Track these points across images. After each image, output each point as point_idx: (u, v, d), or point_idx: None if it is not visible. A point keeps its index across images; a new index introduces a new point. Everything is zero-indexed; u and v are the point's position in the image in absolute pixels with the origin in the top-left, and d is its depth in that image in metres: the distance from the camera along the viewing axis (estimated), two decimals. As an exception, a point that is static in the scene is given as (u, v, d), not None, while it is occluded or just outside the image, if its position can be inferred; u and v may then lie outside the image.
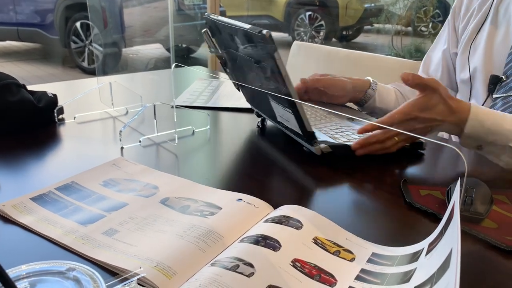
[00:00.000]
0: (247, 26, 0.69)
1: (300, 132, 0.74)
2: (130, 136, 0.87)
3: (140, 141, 0.84)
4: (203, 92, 1.18)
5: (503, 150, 0.77)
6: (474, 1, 1.03)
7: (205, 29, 0.87)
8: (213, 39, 0.87)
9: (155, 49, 5.29)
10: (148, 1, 4.45)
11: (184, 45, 4.96)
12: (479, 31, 0.99)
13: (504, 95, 0.92)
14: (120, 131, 0.83)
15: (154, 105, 0.85)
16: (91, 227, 0.55)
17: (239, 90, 0.97)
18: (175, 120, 0.84)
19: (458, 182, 0.44)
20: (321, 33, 6.03)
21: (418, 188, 0.68)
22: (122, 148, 0.81)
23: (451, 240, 0.42)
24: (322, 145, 0.74)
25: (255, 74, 0.76)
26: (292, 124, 0.74)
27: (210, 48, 0.89)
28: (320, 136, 0.78)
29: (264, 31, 0.63)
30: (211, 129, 0.93)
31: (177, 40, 4.47)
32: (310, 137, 0.73)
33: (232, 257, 0.48)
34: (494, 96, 0.94)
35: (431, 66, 1.12)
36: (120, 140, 0.83)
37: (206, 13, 0.85)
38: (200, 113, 1.00)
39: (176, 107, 0.88)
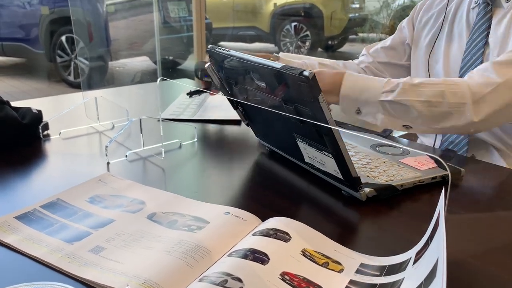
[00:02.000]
0: (276, 64, 0.61)
1: (340, 177, 0.68)
2: (117, 151, 0.87)
3: (126, 156, 0.83)
4: (189, 104, 1.18)
5: (376, 106, 0.81)
6: (434, 6, 1.09)
7: (208, 64, 0.80)
8: (218, 74, 0.80)
9: (141, 62, 5.28)
10: (134, 14, 4.45)
11: (170, 58, 4.97)
12: (435, 40, 1.05)
13: None
14: (106, 146, 0.83)
15: (140, 119, 0.85)
16: (77, 244, 0.55)
17: (248, 125, 0.92)
18: (162, 134, 0.83)
19: (443, 191, 0.45)
20: (307, 43, 6.08)
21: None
22: (108, 163, 0.81)
23: (437, 249, 0.42)
24: (367, 189, 0.67)
25: (280, 114, 0.68)
26: (330, 167, 0.68)
27: (214, 85, 0.83)
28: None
29: (307, 73, 0.56)
30: (198, 142, 0.93)
31: (163, 52, 4.47)
32: (355, 182, 0.66)
33: (220, 272, 0.48)
34: None
35: (377, 46, 1.19)
36: (106, 155, 0.82)
37: (209, 46, 0.77)
38: (187, 126, 1.00)
39: (162, 120, 0.88)
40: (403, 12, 5.46)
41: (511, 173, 0.82)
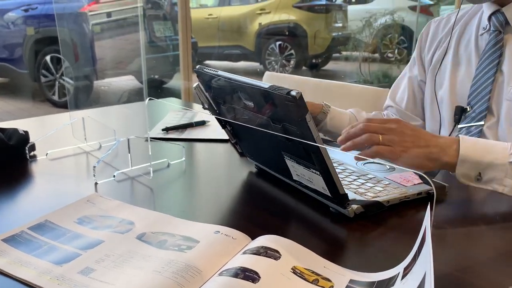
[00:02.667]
0: (264, 84, 0.62)
1: (328, 194, 0.69)
2: (104, 171, 0.86)
3: (114, 176, 0.83)
4: (177, 124, 1.18)
5: (504, 170, 0.72)
6: (439, 32, 1.08)
7: (197, 84, 0.81)
8: (206, 95, 0.81)
9: (127, 81, 5.28)
10: (120, 34, 4.47)
11: (156, 77, 4.98)
12: (441, 62, 1.04)
13: (468, 125, 0.96)
14: (94, 167, 0.83)
15: (128, 139, 0.85)
16: (67, 266, 0.54)
17: (236, 144, 0.93)
18: (150, 154, 0.84)
19: (428, 206, 0.46)
20: (292, 62, 6.17)
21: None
22: (96, 183, 0.80)
23: (424, 264, 0.43)
24: (354, 206, 0.68)
25: (268, 133, 0.69)
26: (318, 185, 0.69)
27: (203, 104, 0.83)
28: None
29: (294, 92, 0.57)
30: (186, 161, 0.93)
31: (149, 71, 4.48)
32: (342, 199, 0.67)
33: (211, 291, 0.48)
34: (459, 126, 0.98)
35: (399, 91, 1.16)
36: (94, 175, 0.82)
37: (198, 66, 0.77)
38: (175, 145, 1.01)
39: (150, 140, 0.89)
40: (385, 31, 5.59)
41: (493, 187, 0.84)
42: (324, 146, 0.60)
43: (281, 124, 0.65)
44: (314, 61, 6.56)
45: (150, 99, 0.76)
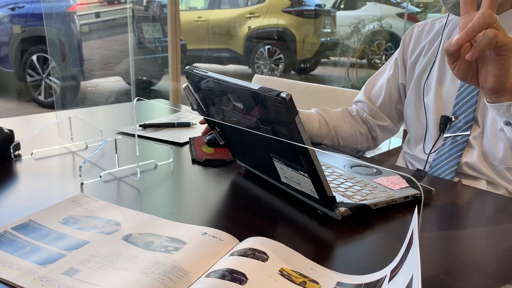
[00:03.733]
0: (254, 86, 0.62)
1: (316, 196, 0.69)
2: (91, 171, 0.85)
3: (100, 176, 0.82)
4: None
5: None
6: (423, 38, 1.09)
7: (186, 84, 0.80)
8: (195, 95, 0.80)
9: (115, 82, 5.24)
10: (108, 35, 4.44)
11: (145, 78, 4.95)
12: (430, 71, 1.05)
13: (453, 134, 0.97)
14: (80, 167, 0.82)
15: (115, 139, 0.84)
16: (51, 267, 0.53)
17: (225, 146, 0.92)
18: (137, 154, 0.83)
19: (416, 209, 0.46)
20: (280, 66, 6.19)
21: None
22: (82, 184, 0.79)
23: (411, 266, 0.43)
24: (342, 209, 0.68)
25: (257, 135, 0.69)
26: (306, 187, 0.69)
27: (192, 105, 0.82)
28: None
29: (284, 94, 0.57)
30: (174, 162, 0.93)
31: (137, 73, 4.46)
32: (330, 202, 0.67)
33: (198, 293, 0.47)
34: (444, 135, 0.99)
35: (374, 88, 1.16)
36: (80, 175, 0.81)
37: (187, 67, 0.77)
38: (163, 146, 1.00)
39: (138, 137, 0.88)
40: (373, 37, 5.64)
41: (478, 192, 0.85)
42: (314, 148, 0.60)
43: (270, 126, 0.65)
44: (302, 65, 6.60)
45: (138, 99, 0.75)
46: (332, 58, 6.43)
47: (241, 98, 0.68)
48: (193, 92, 0.78)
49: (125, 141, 0.92)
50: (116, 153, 0.85)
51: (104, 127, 1.01)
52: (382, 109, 1.15)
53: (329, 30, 6.37)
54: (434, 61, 1.04)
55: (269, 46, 6.22)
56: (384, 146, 3.65)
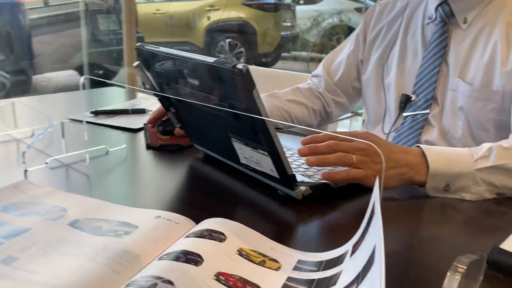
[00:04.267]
0: (209, 59, 0.59)
1: (276, 176, 0.66)
2: (37, 158, 0.80)
3: (46, 163, 0.77)
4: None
5: (471, 178, 0.70)
6: (384, 16, 1.09)
7: (137, 63, 0.76)
8: (148, 74, 0.76)
9: (69, 77, 5.05)
10: (60, 29, 4.26)
11: (101, 72, 4.80)
12: (390, 51, 1.05)
13: (413, 113, 0.97)
14: (23, 152, 0.76)
15: (62, 123, 0.79)
16: (-16, 256, 0.48)
17: (181, 128, 0.88)
18: (86, 138, 0.78)
19: (377, 180, 0.45)
20: (242, 60, 6.15)
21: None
22: (26, 171, 0.74)
23: (373, 237, 0.41)
24: (303, 188, 0.66)
25: (215, 113, 0.66)
26: (266, 167, 0.66)
27: (144, 85, 0.78)
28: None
29: (241, 66, 0.54)
30: (128, 148, 0.88)
31: (93, 67, 4.31)
32: (291, 180, 0.65)
33: (149, 276, 0.44)
34: (405, 114, 0.99)
35: (334, 63, 1.15)
36: (24, 162, 0.75)
37: (138, 44, 0.73)
38: (116, 132, 0.95)
39: (89, 123, 0.82)
40: (332, 31, 5.71)
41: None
42: (272, 120, 0.58)
43: (228, 102, 0.62)
44: (264, 59, 6.59)
45: (85, 77, 0.70)
46: (293, 52, 6.46)
47: (196, 74, 0.64)
48: (145, 71, 0.74)
49: (74, 127, 0.86)
50: (63, 138, 0.79)
51: (53, 114, 0.94)
52: (339, 85, 1.14)
53: (289, 24, 6.39)
54: (395, 41, 1.04)
55: (230, 40, 6.17)
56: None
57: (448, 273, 0.39)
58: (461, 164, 0.70)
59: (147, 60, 0.73)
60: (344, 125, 4.03)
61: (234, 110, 0.61)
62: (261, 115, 0.57)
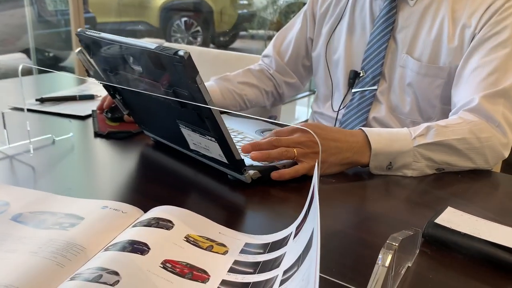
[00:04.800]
0: (150, 45, 0.58)
1: (225, 161, 0.67)
2: (-23, 150, 0.76)
3: (-13, 155, 0.74)
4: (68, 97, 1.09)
5: (411, 155, 0.73)
6: None
7: (79, 49, 0.74)
8: (91, 61, 0.74)
9: (18, 60, 4.80)
10: (2, 9, 4.02)
11: (51, 54, 4.59)
12: (335, 28, 1.06)
13: (361, 89, 0.99)
14: (-39, 146, 0.73)
15: (2, 113, 0.76)
16: None
17: (129, 115, 0.87)
18: (28, 129, 0.75)
19: (316, 164, 0.46)
20: (198, 39, 6.05)
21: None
22: (-35, 164, 0.71)
23: (312, 220, 0.43)
24: (252, 172, 0.67)
25: (161, 99, 0.66)
26: (214, 152, 0.67)
27: (88, 72, 0.76)
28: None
29: (182, 52, 0.54)
30: (75, 137, 0.86)
31: (42, 48, 4.11)
32: (239, 165, 0.66)
33: (94, 268, 0.44)
34: (353, 90, 1.01)
35: (283, 43, 1.15)
36: (-38, 155, 0.72)
37: (79, 29, 0.71)
38: (63, 120, 0.92)
39: (34, 112, 0.79)
40: (289, 8, 5.70)
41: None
42: (216, 108, 0.58)
43: (172, 89, 0.61)
44: (221, 39, 6.50)
45: (24, 65, 0.67)
46: (251, 31, 6.41)
47: (139, 60, 0.63)
48: (88, 57, 0.72)
49: (18, 116, 0.83)
50: (5, 129, 0.76)
51: (-7, 102, 0.90)
52: (289, 64, 1.14)
53: (246, 2, 6.32)
54: (343, 17, 1.05)
55: (186, 19, 6.03)
56: (303, 117, 3.76)
57: (381, 250, 0.41)
58: (400, 142, 0.73)
59: (89, 46, 0.71)
60: (303, 103, 4.08)
61: (179, 98, 0.61)
62: (205, 102, 0.58)
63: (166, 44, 1.26)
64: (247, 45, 6.77)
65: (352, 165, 0.74)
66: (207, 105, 0.58)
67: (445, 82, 0.90)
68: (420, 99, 0.93)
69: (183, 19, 6.02)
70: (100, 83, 0.77)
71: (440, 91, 0.91)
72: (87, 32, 0.69)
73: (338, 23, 1.05)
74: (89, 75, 0.75)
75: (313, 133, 0.57)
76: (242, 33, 6.66)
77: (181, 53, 0.54)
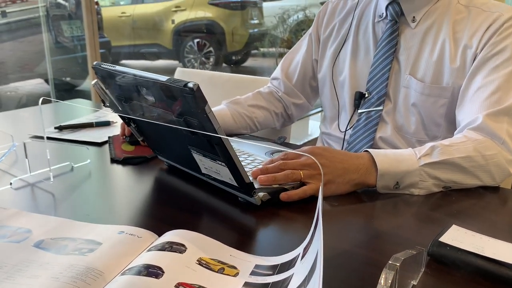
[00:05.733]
0: (162, 78, 0.62)
1: (235, 184, 0.69)
2: (1, 179, 0.80)
3: (11, 184, 0.78)
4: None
5: (418, 175, 0.74)
6: (336, 15, 1.12)
7: (95, 81, 0.78)
8: (106, 91, 0.78)
9: (36, 85, 4.94)
10: (21, 36, 4.16)
11: (68, 79, 4.71)
12: (342, 49, 1.09)
13: (367, 110, 1.02)
14: (-13, 175, 0.77)
15: (24, 143, 0.80)
16: (-50, 284, 0.50)
17: (144, 142, 0.91)
18: (48, 157, 0.79)
19: (320, 188, 0.48)
20: (211, 59, 6.14)
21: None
22: (-10, 193, 0.75)
23: (317, 243, 0.45)
24: (261, 194, 0.69)
25: (173, 128, 0.68)
26: (225, 176, 0.70)
27: (103, 101, 0.80)
28: (252, 181, 0.70)
29: (191, 84, 0.57)
30: (92, 163, 0.90)
31: (58, 73, 4.23)
32: (249, 188, 0.68)
33: (112, 292, 0.47)
34: (359, 111, 1.03)
35: (291, 65, 1.18)
36: (-13, 185, 0.76)
37: (95, 63, 0.75)
38: (80, 147, 0.96)
39: (49, 141, 0.83)
40: (298, 26, 5.76)
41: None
42: (225, 137, 0.61)
43: (183, 118, 0.65)
44: (233, 58, 6.59)
45: (44, 99, 0.71)
46: (262, 49, 6.49)
47: (151, 91, 0.67)
48: (104, 88, 0.76)
49: (38, 145, 0.87)
50: (27, 158, 0.80)
51: (16, 131, 0.95)
52: (297, 86, 1.17)
53: (256, 21, 6.41)
54: (347, 39, 1.07)
55: (198, 40, 6.14)
56: (316, 132, 3.77)
57: (383, 270, 0.43)
58: (406, 162, 0.75)
59: (105, 78, 0.75)
60: (316, 118, 4.09)
61: (190, 126, 0.64)
62: (214, 129, 0.61)
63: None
64: (259, 63, 6.85)
65: (360, 186, 0.76)
66: (216, 133, 0.60)
67: (449, 101, 0.92)
68: (425, 118, 0.95)
69: (196, 40, 6.13)
70: (115, 112, 0.80)
71: (444, 110, 0.93)
72: (102, 65, 0.73)
73: (342, 46, 1.08)
74: (104, 105, 0.79)
75: (314, 158, 0.59)
76: (253, 51, 6.75)
77: (190, 85, 0.57)
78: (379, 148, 1.01)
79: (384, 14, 1.00)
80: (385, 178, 0.74)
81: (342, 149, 1.06)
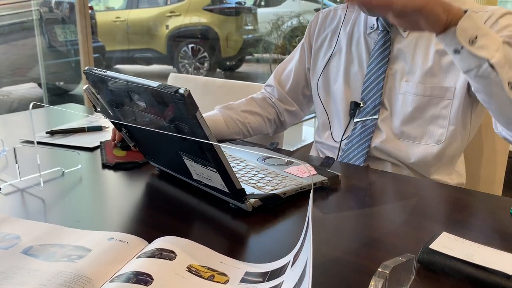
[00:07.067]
0: (153, 83, 0.61)
1: (226, 190, 0.69)
2: (-10, 184, 0.80)
3: (0, 189, 0.77)
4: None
5: (497, 43, 0.73)
6: (327, 25, 1.13)
7: (87, 86, 0.77)
8: (98, 97, 0.78)
9: (30, 89, 4.92)
10: (14, 39, 4.14)
11: (61, 83, 4.70)
12: (333, 59, 1.09)
13: (363, 119, 1.02)
14: (-24, 181, 0.76)
15: (14, 148, 0.79)
16: None
17: (135, 147, 0.91)
18: (39, 162, 0.78)
19: (311, 194, 0.48)
20: (205, 65, 6.15)
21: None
22: (-21, 199, 0.74)
23: (306, 250, 0.45)
24: (252, 200, 0.70)
25: (164, 134, 0.69)
26: (216, 182, 0.70)
27: (95, 107, 0.80)
28: (243, 187, 0.70)
29: (182, 90, 0.57)
30: (83, 168, 0.89)
31: (51, 78, 4.22)
32: (240, 194, 0.68)
33: (100, 299, 0.46)
34: (355, 120, 1.04)
35: (284, 73, 1.19)
36: (-24, 190, 0.75)
37: (86, 68, 0.74)
38: (72, 152, 0.96)
39: (43, 144, 0.82)
40: (292, 33, 5.79)
41: (380, 173, 0.91)
42: (216, 143, 0.61)
43: (174, 124, 0.65)
44: (228, 63, 6.61)
45: (34, 104, 0.71)
46: (256, 55, 6.51)
47: (143, 97, 0.66)
48: (95, 94, 0.75)
49: (29, 150, 0.86)
50: (17, 163, 0.80)
51: (8, 136, 0.94)
52: (290, 94, 1.18)
53: (251, 27, 6.43)
54: (340, 49, 1.08)
55: (192, 45, 6.15)
56: (310, 138, 3.78)
57: (373, 278, 0.43)
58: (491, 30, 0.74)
59: (96, 83, 0.75)
60: (310, 124, 4.11)
61: (181, 131, 0.64)
62: (205, 135, 0.60)
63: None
64: (253, 69, 6.87)
65: (446, 12, 0.71)
66: (207, 138, 0.60)
67: (451, 103, 0.93)
68: (428, 121, 0.96)
69: (190, 45, 6.14)
70: (106, 117, 0.80)
71: (448, 112, 0.94)
72: (94, 70, 0.72)
73: (336, 56, 1.09)
74: (96, 110, 0.79)
75: None
76: (248, 57, 6.77)
77: (181, 91, 0.57)
78: (374, 156, 1.02)
79: (376, 25, 1.01)
80: (469, 22, 0.71)
81: (336, 158, 1.06)
